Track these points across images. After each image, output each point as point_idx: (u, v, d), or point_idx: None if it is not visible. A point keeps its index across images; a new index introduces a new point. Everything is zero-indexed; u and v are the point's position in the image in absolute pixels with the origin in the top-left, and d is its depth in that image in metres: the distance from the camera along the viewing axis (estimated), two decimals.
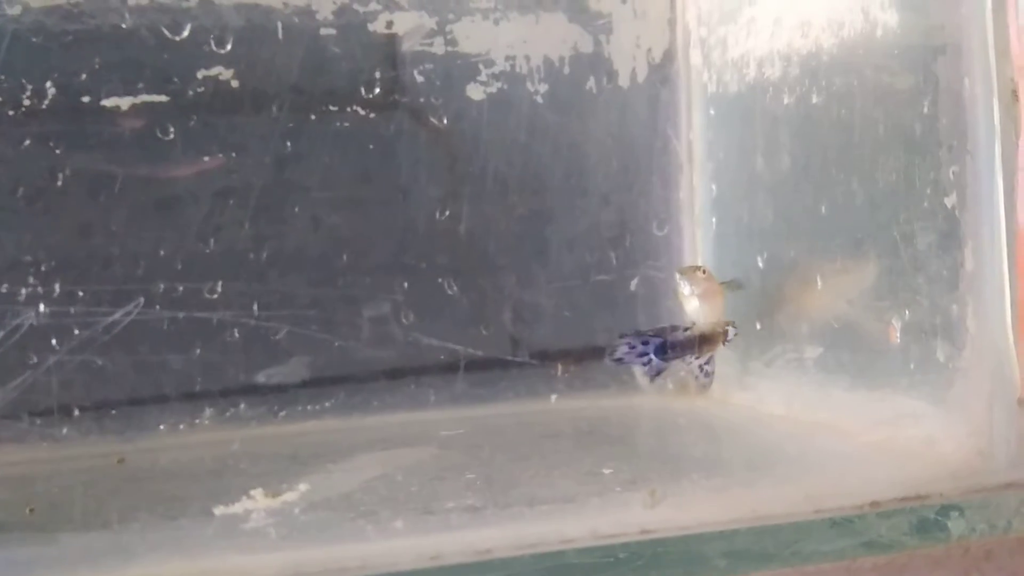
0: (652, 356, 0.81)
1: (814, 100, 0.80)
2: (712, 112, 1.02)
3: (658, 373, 0.83)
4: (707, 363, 0.84)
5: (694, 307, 0.82)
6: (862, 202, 0.74)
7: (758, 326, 0.91)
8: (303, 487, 0.59)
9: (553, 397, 1.04)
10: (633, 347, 0.84)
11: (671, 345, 0.82)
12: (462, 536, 0.52)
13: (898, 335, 0.70)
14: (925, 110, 0.66)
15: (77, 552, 0.53)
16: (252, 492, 0.57)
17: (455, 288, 1.03)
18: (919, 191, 0.67)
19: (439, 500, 0.62)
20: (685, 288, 0.82)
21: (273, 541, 0.51)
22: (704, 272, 0.83)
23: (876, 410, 0.72)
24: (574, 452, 0.80)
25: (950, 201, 0.64)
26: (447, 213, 1.04)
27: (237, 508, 0.55)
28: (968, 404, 0.64)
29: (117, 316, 0.94)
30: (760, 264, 0.90)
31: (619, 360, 0.84)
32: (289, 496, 0.58)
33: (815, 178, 0.81)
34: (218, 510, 0.55)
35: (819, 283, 0.80)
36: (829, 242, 0.79)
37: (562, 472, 0.71)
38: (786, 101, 0.84)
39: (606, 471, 0.68)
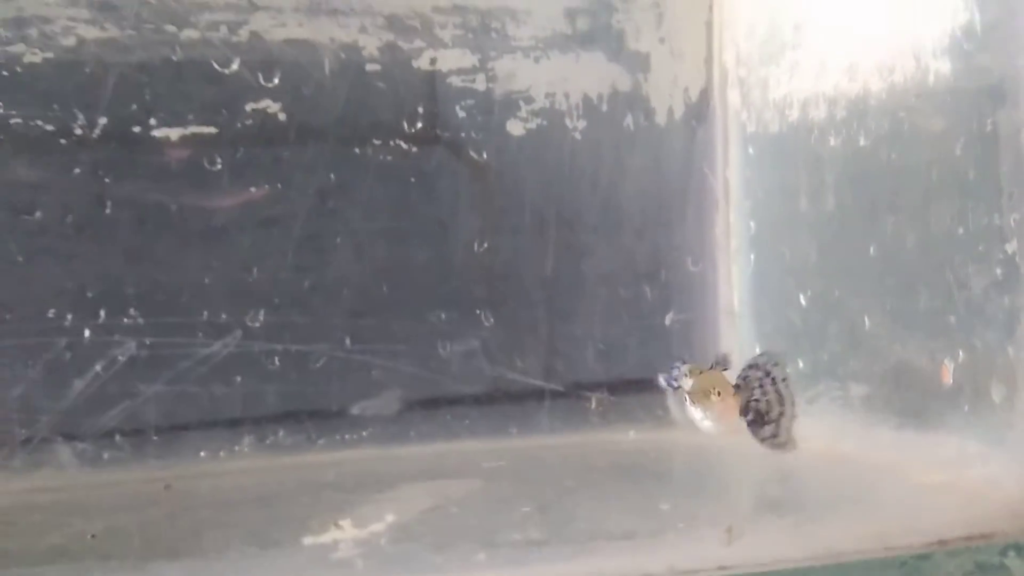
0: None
1: (861, 143, 0.82)
2: (751, 151, 1.04)
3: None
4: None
5: (707, 429, 0.69)
6: (913, 245, 0.75)
7: (800, 364, 0.92)
8: (389, 518, 0.60)
9: (587, 430, 1.05)
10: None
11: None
12: (545, 570, 0.53)
13: (951, 376, 0.71)
14: (982, 157, 0.67)
15: None
16: (340, 522, 0.58)
17: (491, 320, 1.05)
18: (975, 236, 0.69)
19: (502, 532, 0.63)
20: (697, 414, 0.68)
21: (360, 572, 0.52)
22: (719, 394, 0.68)
23: (928, 450, 0.73)
24: (622, 486, 0.81)
25: (1011, 247, 0.65)
26: (485, 246, 1.05)
27: (326, 538, 0.56)
28: None
29: (159, 345, 0.95)
30: (803, 302, 0.92)
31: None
32: (375, 527, 0.58)
33: (863, 219, 0.82)
34: (307, 540, 0.56)
35: (867, 323, 0.81)
36: (878, 283, 0.80)
37: (617, 507, 0.71)
38: (832, 143, 0.86)
39: (663, 507, 0.69)
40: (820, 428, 0.86)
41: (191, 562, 0.58)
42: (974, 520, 0.61)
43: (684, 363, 0.73)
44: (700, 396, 0.68)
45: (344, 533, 0.57)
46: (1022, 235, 0.65)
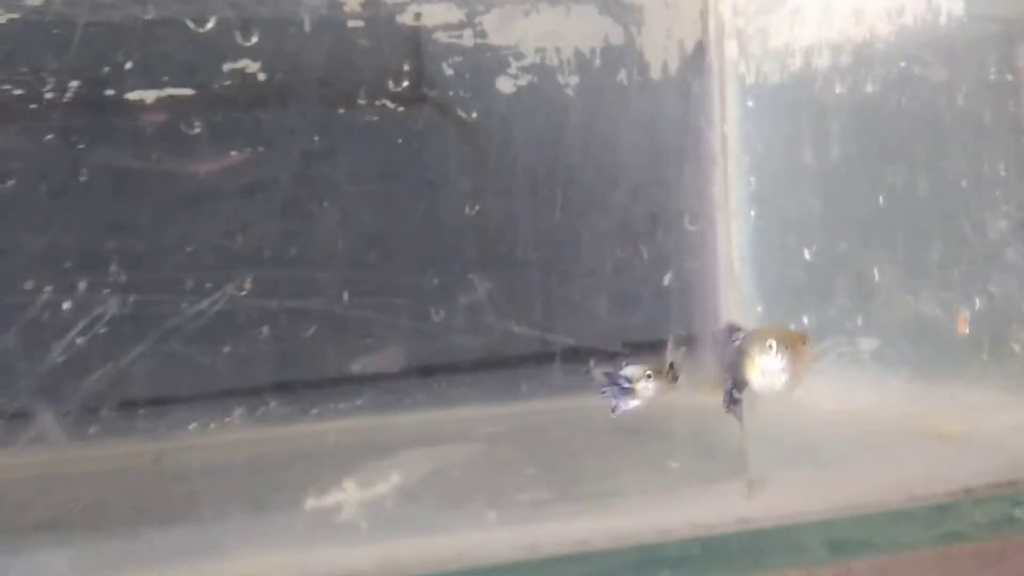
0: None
1: (869, 89, 0.79)
2: (750, 103, 1.01)
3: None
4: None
5: (782, 383, 0.62)
6: (926, 192, 0.73)
7: (805, 321, 0.90)
8: (394, 479, 0.57)
9: (586, 394, 1.03)
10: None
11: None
12: (556, 527, 0.51)
13: (967, 326, 0.69)
14: (999, 96, 0.65)
15: (166, 547, 0.51)
16: (344, 484, 0.55)
17: (484, 284, 1.02)
18: (991, 179, 0.67)
19: (508, 494, 0.61)
20: (781, 363, 0.62)
21: (366, 534, 0.50)
22: (806, 342, 0.61)
23: (945, 401, 0.71)
24: (627, 448, 0.79)
25: None
26: (476, 208, 1.02)
27: (328, 500, 0.53)
28: None
29: (141, 313, 0.92)
30: (808, 257, 0.89)
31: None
32: (380, 488, 0.56)
33: (871, 169, 0.80)
34: (308, 503, 0.54)
35: (876, 275, 0.79)
36: (888, 234, 0.78)
37: (625, 466, 0.70)
38: (837, 91, 0.83)
39: (673, 465, 0.67)
40: (827, 385, 0.84)
41: (184, 529, 0.56)
42: (1000, 468, 0.59)
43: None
44: (794, 341, 0.62)
45: (347, 495, 0.55)
46: None
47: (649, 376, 0.72)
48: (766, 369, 0.63)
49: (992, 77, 0.67)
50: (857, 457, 0.66)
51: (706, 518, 0.52)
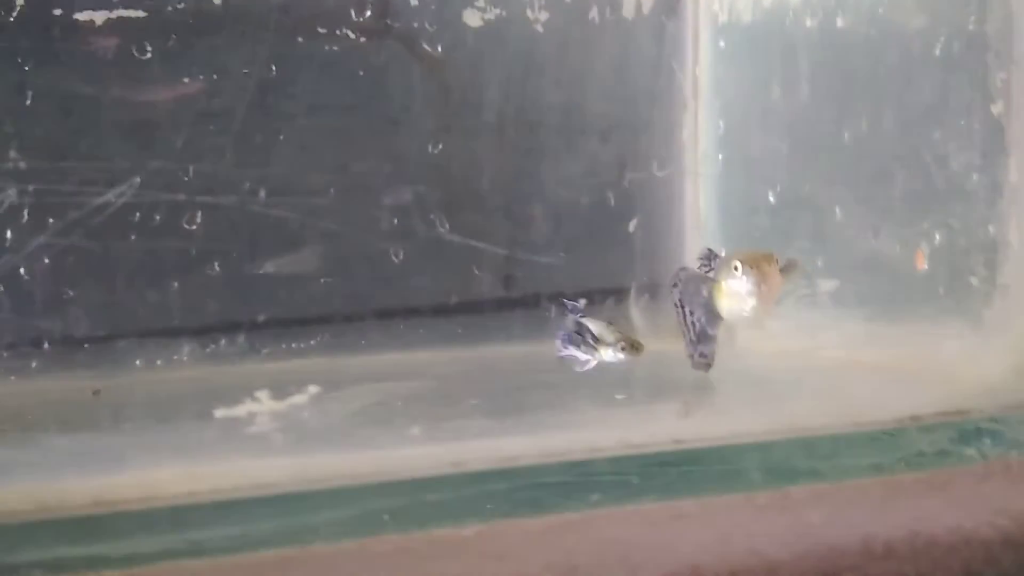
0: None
1: (839, 23, 0.77)
2: (722, 44, 0.99)
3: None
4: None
5: (750, 307, 0.61)
6: (891, 126, 0.71)
7: None
8: (311, 390, 0.55)
9: (545, 340, 1.01)
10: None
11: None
12: (484, 444, 0.49)
13: (926, 261, 0.68)
14: (970, 21, 0.63)
15: (61, 456, 0.48)
16: (257, 394, 0.52)
17: (447, 226, 0.99)
18: (957, 108, 0.65)
19: (446, 419, 0.59)
20: (747, 284, 0.61)
21: (280, 445, 0.47)
22: (772, 262, 0.61)
23: (901, 338, 0.70)
24: (578, 383, 0.77)
25: (996, 109, 0.61)
26: (440, 147, 0.99)
27: (240, 411, 0.51)
28: (1008, 321, 0.62)
29: (91, 243, 0.89)
30: (771, 199, 0.87)
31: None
32: (297, 399, 0.53)
33: (838, 106, 0.78)
34: (219, 413, 0.51)
35: (838, 214, 0.77)
36: (852, 171, 0.76)
37: (571, 398, 0.68)
38: (808, 26, 0.81)
39: (619, 397, 0.65)
40: (785, 328, 0.83)
41: (82, 434, 0.53)
42: (950, 398, 0.58)
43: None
44: (759, 260, 0.60)
45: (261, 406, 0.52)
46: (1008, 97, 0.61)
47: (623, 348, 0.70)
48: (733, 292, 0.61)
49: (971, 26, 0.64)
50: (804, 387, 0.65)
51: (640, 438, 0.50)
